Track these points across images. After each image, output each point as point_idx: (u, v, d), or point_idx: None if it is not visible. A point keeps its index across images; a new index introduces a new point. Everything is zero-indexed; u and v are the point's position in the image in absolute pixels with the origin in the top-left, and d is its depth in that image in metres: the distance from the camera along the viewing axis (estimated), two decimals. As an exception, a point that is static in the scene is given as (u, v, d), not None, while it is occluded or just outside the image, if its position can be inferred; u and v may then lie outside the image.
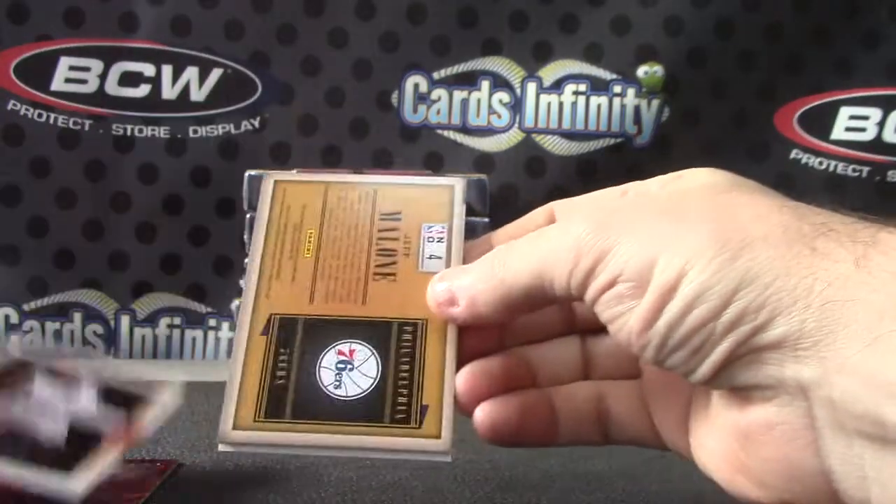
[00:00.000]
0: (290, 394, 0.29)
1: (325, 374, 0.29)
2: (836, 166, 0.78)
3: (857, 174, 0.78)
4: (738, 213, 0.26)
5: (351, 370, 0.29)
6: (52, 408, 0.32)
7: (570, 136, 0.76)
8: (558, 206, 0.33)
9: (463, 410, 0.31)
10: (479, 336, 0.31)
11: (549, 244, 0.29)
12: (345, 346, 0.30)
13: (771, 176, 0.76)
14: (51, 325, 0.74)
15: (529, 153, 0.76)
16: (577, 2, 0.75)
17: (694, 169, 0.30)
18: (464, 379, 0.30)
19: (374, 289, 0.31)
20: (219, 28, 0.73)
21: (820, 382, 0.23)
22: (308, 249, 0.32)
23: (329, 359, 0.30)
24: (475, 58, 0.75)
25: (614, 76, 0.76)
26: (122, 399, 0.34)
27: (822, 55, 0.77)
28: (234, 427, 0.28)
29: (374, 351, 0.30)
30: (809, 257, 0.24)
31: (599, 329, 0.32)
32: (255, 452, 0.30)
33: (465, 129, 0.76)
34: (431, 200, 0.34)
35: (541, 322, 0.32)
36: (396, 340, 0.30)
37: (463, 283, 0.30)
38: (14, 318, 0.74)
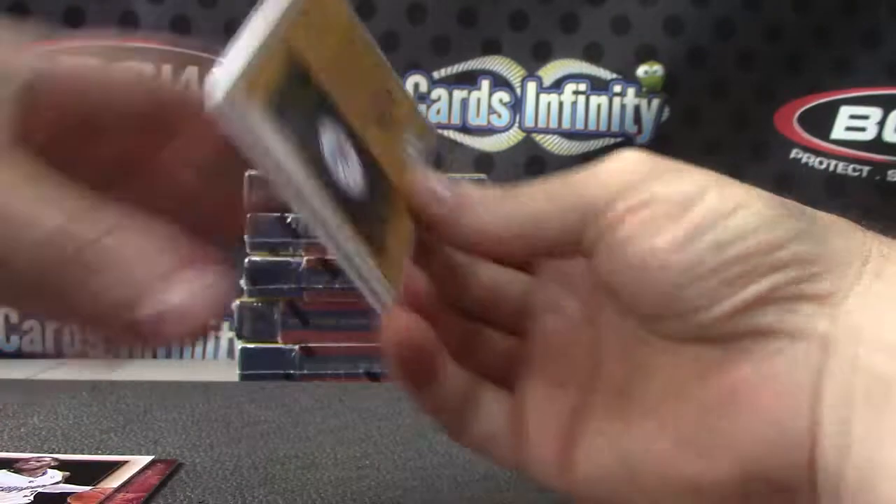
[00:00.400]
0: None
1: (328, 145, 0.25)
2: (836, 166, 0.78)
3: (857, 174, 0.78)
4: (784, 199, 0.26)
5: (346, 164, 0.26)
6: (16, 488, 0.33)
7: (570, 135, 0.76)
8: None
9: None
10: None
11: (584, 177, 0.25)
12: (343, 142, 0.26)
13: (771, 176, 0.76)
14: (51, 325, 0.74)
15: (529, 153, 0.76)
16: (577, 1, 0.75)
17: None
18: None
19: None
20: (219, 27, 0.73)
21: (848, 342, 0.23)
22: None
23: (330, 137, 0.25)
24: (475, 58, 0.75)
25: (614, 76, 0.76)
26: (88, 473, 0.35)
27: (822, 55, 0.77)
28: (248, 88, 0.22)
29: (364, 170, 0.26)
30: (864, 234, 0.24)
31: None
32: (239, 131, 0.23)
33: (465, 129, 0.76)
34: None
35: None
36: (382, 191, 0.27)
37: (467, 190, 0.27)
38: (14, 318, 0.74)
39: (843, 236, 0.24)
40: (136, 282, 0.23)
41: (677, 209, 0.24)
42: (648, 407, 0.26)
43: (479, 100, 0.76)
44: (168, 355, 0.76)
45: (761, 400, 0.24)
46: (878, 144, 0.78)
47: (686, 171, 0.25)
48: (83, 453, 0.40)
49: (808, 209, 0.25)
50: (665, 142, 0.76)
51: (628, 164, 0.25)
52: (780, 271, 0.23)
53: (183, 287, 0.23)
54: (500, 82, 0.75)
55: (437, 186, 0.27)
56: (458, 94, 0.75)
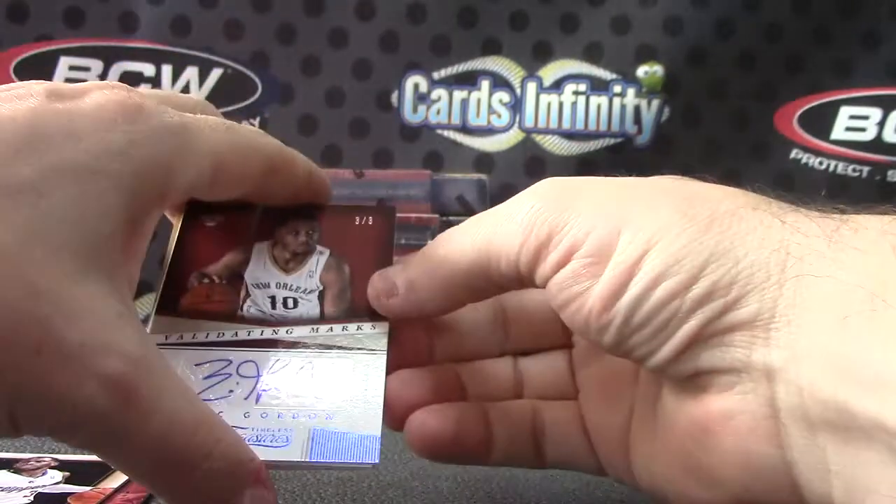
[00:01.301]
0: None
1: None
2: (836, 166, 0.78)
3: (857, 174, 0.78)
4: (703, 191, 0.24)
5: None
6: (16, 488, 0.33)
7: (570, 136, 0.76)
8: None
9: (392, 421, 0.29)
10: (410, 343, 0.29)
11: (497, 218, 0.26)
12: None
13: (771, 176, 0.76)
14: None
15: (529, 153, 0.76)
16: (577, 2, 0.75)
17: None
18: (395, 385, 0.28)
19: None
20: (219, 28, 0.73)
21: (787, 367, 0.22)
22: None
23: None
24: (475, 58, 0.75)
25: (614, 76, 0.76)
26: (88, 473, 0.35)
27: (822, 55, 0.77)
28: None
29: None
30: (781, 230, 0.23)
31: (533, 350, 0.31)
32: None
33: (465, 129, 0.76)
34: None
35: (473, 339, 0.31)
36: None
37: (403, 273, 0.28)
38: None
39: (756, 240, 0.23)
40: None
41: (593, 266, 0.24)
42: (661, 436, 0.26)
43: (479, 100, 0.75)
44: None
45: (728, 433, 0.24)
46: (878, 144, 0.78)
47: (591, 205, 0.25)
48: (83, 453, 0.40)
49: (718, 209, 0.24)
50: (665, 142, 0.76)
51: (536, 202, 0.25)
52: (703, 307, 0.23)
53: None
54: (500, 82, 0.75)
55: (377, 287, 0.29)
56: (458, 95, 0.75)
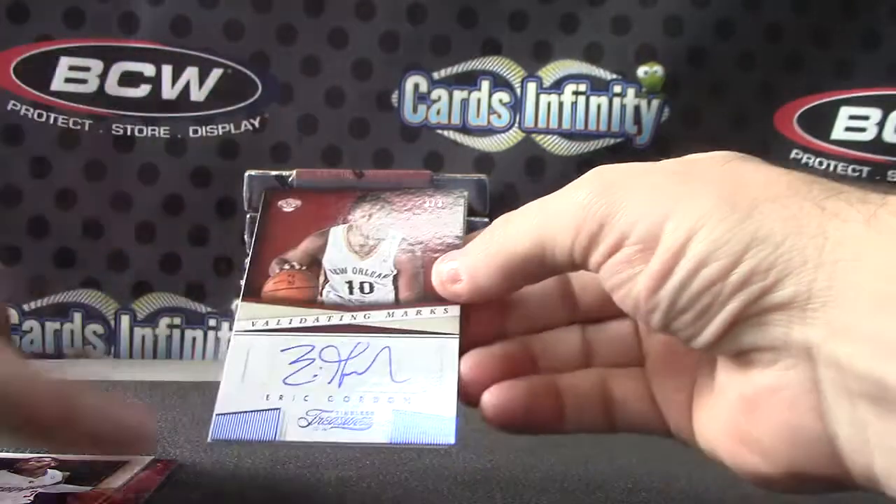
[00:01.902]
0: None
1: None
2: (836, 166, 0.78)
3: (857, 174, 0.78)
4: (746, 177, 0.26)
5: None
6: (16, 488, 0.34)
7: (570, 135, 0.76)
8: None
9: (468, 399, 0.30)
10: (481, 322, 0.31)
11: (549, 209, 0.28)
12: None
13: (771, 176, 0.76)
14: (50, 325, 0.74)
15: (529, 153, 0.76)
16: (577, 2, 0.75)
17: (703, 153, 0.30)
18: (468, 365, 0.30)
19: None
20: (219, 28, 0.73)
21: (826, 344, 0.23)
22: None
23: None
24: (475, 58, 0.75)
25: (614, 76, 0.76)
26: (88, 473, 0.35)
27: (822, 55, 0.77)
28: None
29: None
30: (819, 216, 0.24)
31: (601, 318, 0.32)
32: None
33: (465, 129, 0.76)
34: None
35: (542, 312, 0.32)
36: None
37: (465, 260, 0.30)
38: (14, 318, 0.73)
39: (795, 226, 0.24)
40: None
41: (642, 253, 0.25)
42: (717, 406, 0.27)
43: (479, 100, 0.75)
44: (168, 355, 0.76)
45: (774, 408, 0.25)
46: (878, 145, 0.78)
47: (639, 195, 0.26)
48: (83, 454, 0.40)
49: (759, 196, 0.25)
50: (665, 142, 0.76)
51: (586, 195, 0.27)
52: (743, 290, 0.24)
53: None
54: (500, 82, 0.75)
55: (443, 275, 0.30)
56: (458, 95, 0.75)
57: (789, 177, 0.26)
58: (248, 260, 0.33)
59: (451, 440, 0.28)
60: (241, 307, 0.31)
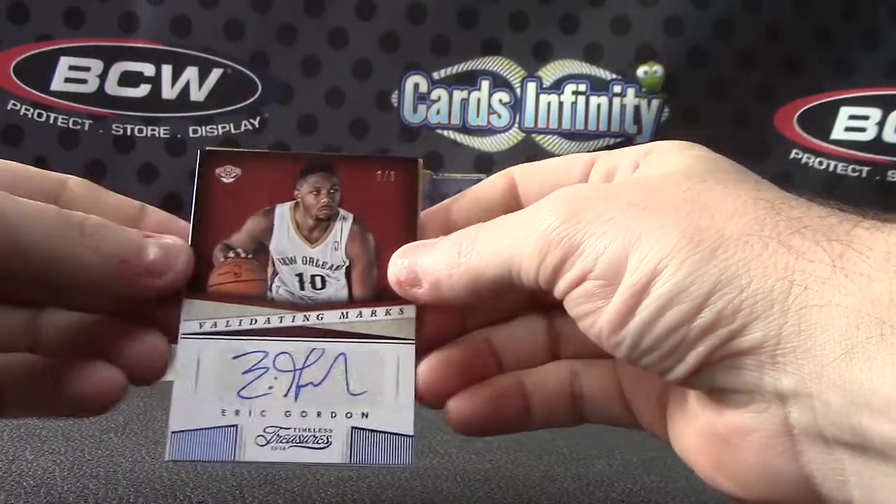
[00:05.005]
0: None
1: None
2: (836, 166, 0.78)
3: (856, 174, 0.78)
4: (710, 206, 0.25)
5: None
6: None
7: (570, 135, 0.76)
8: (518, 171, 0.32)
9: (431, 403, 0.29)
10: (439, 319, 0.30)
11: (516, 233, 0.27)
12: None
13: (771, 176, 0.76)
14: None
15: (529, 153, 0.76)
16: (577, 2, 0.75)
17: (665, 143, 0.29)
18: (428, 372, 0.29)
19: None
20: (219, 28, 0.73)
21: (798, 391, 0.23)
22: None
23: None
24: (475, 58, 0.75)
25: (614, 76, 0.76)
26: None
27: (822, 55, 0.77)
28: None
29: None
30: (786, 256, 0.23)
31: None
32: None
33: (465, 129, 0.76)
34: None
35: (505, 303, 0.31)
36: None
37: (426, 264, 0.29)
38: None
39: (761, 268, 0.23)
40: (129, 237, 0.28)
41: (605, 288, 0.25)
42: (690, 428, 0.27)
43: (478, 100, 0.76)
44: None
45: (746, 447, 0.24)
46: (877, 145, 0.78)
47: (602, 227, 0.25)
48: (83, 453, 0.40)
49: (724, 231, 0.24)
50: (665, 142, 0.76)
51: (551, 221, 0.26)
52: (710, 335, 0.24)
53: (159, 243, 0.29)
54: (500, 82, 0.75)
55: (400, 275, 0.29)
56: (458, 95, 0.75)
57: (755, 205, 0.25)
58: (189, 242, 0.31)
59: (409, 461, 0.27)
60: (186, 305, 0.29)
